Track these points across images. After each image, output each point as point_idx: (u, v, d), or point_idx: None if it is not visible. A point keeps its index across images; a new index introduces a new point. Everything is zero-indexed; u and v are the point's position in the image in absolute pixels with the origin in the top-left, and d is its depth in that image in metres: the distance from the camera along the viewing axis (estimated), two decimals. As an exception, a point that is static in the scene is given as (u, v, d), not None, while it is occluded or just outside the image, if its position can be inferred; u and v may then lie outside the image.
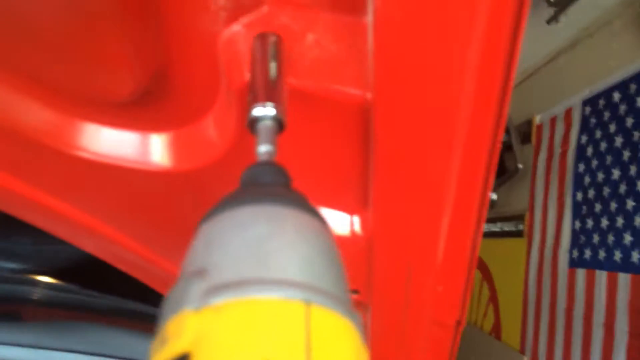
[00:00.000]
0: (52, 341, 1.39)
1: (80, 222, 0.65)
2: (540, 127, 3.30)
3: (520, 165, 3.41)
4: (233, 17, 0.47)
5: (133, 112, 0.56)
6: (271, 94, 0.39)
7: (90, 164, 0.57)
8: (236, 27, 0.48)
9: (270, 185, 0.31)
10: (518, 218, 3.30)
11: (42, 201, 0.62)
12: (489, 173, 0.52)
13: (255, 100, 0.38)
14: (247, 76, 0.48)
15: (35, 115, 0.55)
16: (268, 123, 0.37)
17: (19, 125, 0.55)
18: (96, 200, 0.63)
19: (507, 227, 3.42)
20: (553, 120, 3.16)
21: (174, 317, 0.22)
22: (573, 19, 2.79)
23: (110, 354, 1.34)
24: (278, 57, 0.43)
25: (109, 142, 0.57)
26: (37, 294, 1.57)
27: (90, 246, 0.71)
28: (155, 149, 0.58)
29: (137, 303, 1.57)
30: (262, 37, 0.45)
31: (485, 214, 0.54)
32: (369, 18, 0.47)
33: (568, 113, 3.01)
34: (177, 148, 0.58)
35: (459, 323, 0.67)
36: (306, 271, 0.24)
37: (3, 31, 0.47)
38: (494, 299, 3.46)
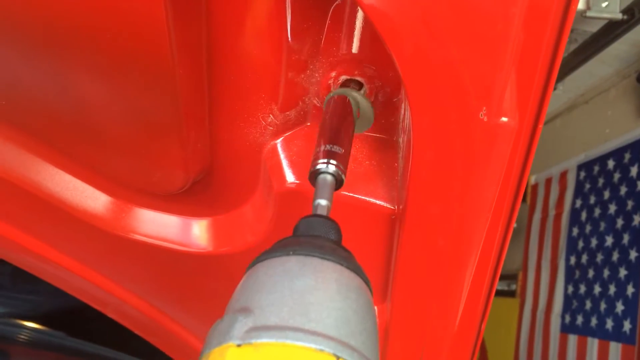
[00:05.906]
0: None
1: (113, 292, 0.69)
2: (535, 187, 3.36)
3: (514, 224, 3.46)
4: (279, 132, 0.53)
5: (178, 200, 0.61)
6: (334, 152, 0.40)
7: (136, 244, 0.62)
8: (280, 140, 0.54)
9: (321, 238, 0.33)
10: (511, 277, 3.32)
11: (84, 275, 0.66)
12: (495, 275, 0.56)
13: (318, 156, 0.40)
14: (287, 182, 0.53)
15: (91, 199, 0.60)
16: (327, 177, 0.39)
17: (75, 208, 0.60)
18: (136, 275, 0.67)
19: (500, 285, 3.44)
20: (548, 182, 3.23)
21: (218, 348, 0.25)
22: (570, 86, 2.90)
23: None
24: (347, 119, 0.45)
25: (153, 225, 0.62)
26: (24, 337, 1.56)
27: (114, 313, 0.75)
28: (196, 233, 0.63)
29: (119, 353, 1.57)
30: (334, 99, 0.46)
31: (489, 307, 0.59)
32: (401, 138, 0.53)
33: (563, 176, 3.08)
34: (216, 233, 0.63)
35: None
36: (341, 327, 0.26)
37: (78, 131, 0.52)
38: (484, 359, 3.45)
